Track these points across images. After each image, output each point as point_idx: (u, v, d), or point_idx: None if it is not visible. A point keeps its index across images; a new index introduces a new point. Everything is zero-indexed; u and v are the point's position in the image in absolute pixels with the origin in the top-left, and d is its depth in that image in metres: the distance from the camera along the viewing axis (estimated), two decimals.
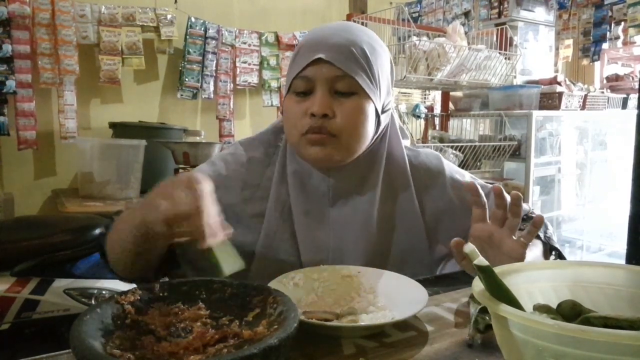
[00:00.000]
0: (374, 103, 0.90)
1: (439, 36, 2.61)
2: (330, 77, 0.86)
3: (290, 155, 0.96)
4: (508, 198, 0.82)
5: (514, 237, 0.81)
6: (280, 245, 0.92)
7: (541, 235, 0.97)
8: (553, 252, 1.00)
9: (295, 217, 0.93)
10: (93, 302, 1.78)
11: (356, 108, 0.88)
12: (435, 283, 0.91)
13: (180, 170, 2.79)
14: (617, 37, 3.81)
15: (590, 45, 3.80)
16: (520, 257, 0.79)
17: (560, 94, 2.75)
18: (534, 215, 1.03)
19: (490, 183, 1.12)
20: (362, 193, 0.95)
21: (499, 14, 3.25)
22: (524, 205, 1.04)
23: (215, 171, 0.95)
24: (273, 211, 0.93)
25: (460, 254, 0.80)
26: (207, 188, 0.67)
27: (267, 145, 1.00)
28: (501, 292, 0.50)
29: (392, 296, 0.78)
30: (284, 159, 0.97)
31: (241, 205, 0.94)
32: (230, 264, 0.67)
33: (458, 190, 1.02)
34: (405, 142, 1.04)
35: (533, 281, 0.60)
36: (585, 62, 3.93)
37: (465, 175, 1.06)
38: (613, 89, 3.37)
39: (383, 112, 0.95)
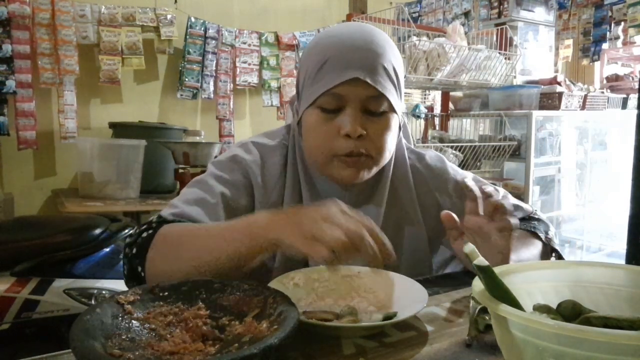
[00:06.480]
0: (398, 116, 0.90)
1: (439, 36, 2.61)
2: (364, 97, 0.83)
3: (302, 165, 0.94)
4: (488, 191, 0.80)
5: (499, 233, 0.80)
6: (290, 257, 0.89)
7: (542, 236, 0.96)
8: (553, 254, 1.00)
9: None
10: (93, 302, 1.78)
11: (388, 127, 0.87)
12: (435, 283, 0.91)
13: (180, 170, 2.80)
14: (617, 37, 3.81)
15: (590, 45, 3.80)
16: (504, 249, 0.79)
17: (560, 94, 2.74)
18: (537, 217, 1.03)
19: (492, 183, 1.12)
20: (371, 204, 0.95)
21: (499, 14, 3.25)
22: (526, 206, 1.03)
23: (237, 172, 0.91)
24: None
25: (452, 230, 0.80)
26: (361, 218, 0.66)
27: (282, 151, 0.96)
28: (501, 292, 0.50)
29: (392, 296, 0.78)
30: (295, 167, 0.94)
31: (258, 208, 0.91)
32: None
33: (461, 193, 1.01)
34: (407, 143, 1.04)
35: (533, 281, 0.60)
36: (585, 62, 3.94)
37: (468, 178, 1.05)
38: (613, 89, 3.37)
39: None
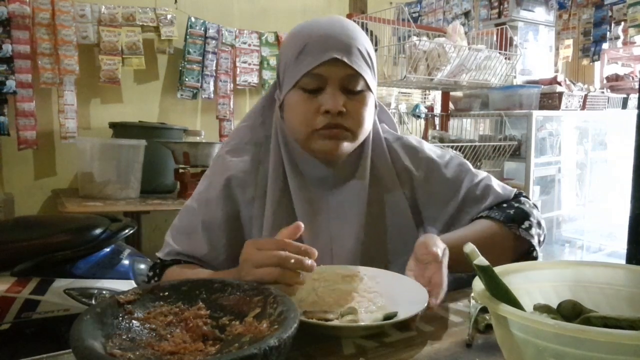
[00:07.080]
0: (374, 95, 0.96)
1: (439, 36, 2.61)
2: (343, 76, 0.89)
3: (285, 147, 0.98)
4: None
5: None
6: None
7: (504, 221, 0.95)
8: (534, 252, 0.97)
9: (297, 205, 0.96)
10: (93, 302, 1.78)
11: (365, 104, 0.93)
12: None
13: (180, 170, 2.80)
14: (617, 37, 3.81)
15: (590, 45, 3.79)
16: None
17: (560, 94, 2.74)
18: (515, 204, 1.00)
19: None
20: (355, 179, 0.99)
21: (499, 14, 3.24)
22: (503, 191, 1.03)
23: (212, 188, 0.98)
24: (276, 204, 0.95)
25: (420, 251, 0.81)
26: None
27: (253, 145, 1.02)
28: (501, 292, 0.50)
29: (392, 296, 0.78)
30: (277, 150, 0.99)
31: (248, 209, 0.97)
32: None
33: (434, 171, 1.04)
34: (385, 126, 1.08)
35: (533, 281, 0.60)
36: (585, 62, 3.93)
37: (446, 156, 1.07)
38: (613, 89, 3.37)
39: None
